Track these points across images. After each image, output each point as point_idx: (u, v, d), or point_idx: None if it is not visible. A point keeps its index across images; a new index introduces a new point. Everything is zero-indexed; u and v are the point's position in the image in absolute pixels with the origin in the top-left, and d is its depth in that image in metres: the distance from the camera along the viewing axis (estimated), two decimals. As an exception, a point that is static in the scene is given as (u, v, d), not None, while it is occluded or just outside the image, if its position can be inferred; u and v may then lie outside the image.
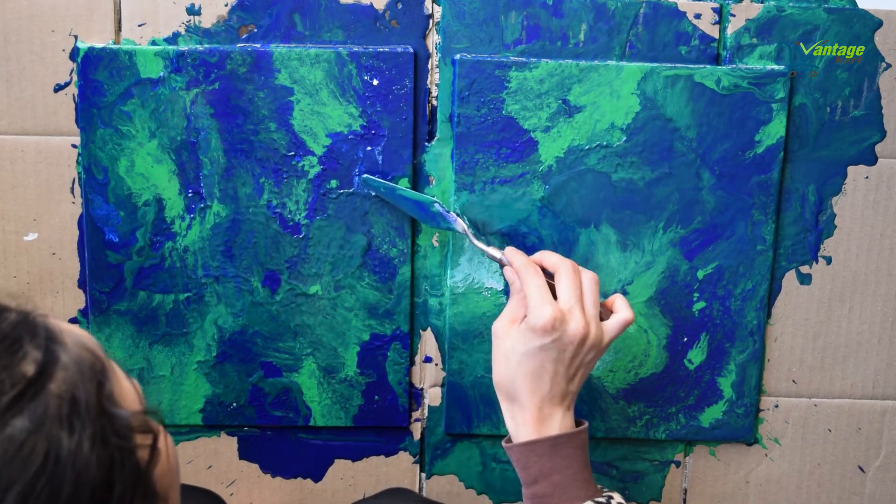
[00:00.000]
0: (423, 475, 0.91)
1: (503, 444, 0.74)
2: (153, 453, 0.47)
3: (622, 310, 0.76)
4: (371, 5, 0.82)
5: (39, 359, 0.44)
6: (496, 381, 0.74)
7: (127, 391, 0.49)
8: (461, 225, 0.80)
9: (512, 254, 0.77)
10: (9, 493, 0.40)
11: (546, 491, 0.71)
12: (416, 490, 0.91)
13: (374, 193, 0.83)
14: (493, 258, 0.79)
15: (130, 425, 0.46)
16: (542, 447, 0.71)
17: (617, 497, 0.72)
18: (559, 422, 0.72)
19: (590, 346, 0.72)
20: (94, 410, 0.44)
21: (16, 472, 0.41)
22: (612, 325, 0.75)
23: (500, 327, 0.74)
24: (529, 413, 0.72)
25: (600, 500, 0.71)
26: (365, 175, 0.82)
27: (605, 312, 0.77)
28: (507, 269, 0.78)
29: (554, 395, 0.72)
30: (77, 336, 0.48)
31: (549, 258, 0.76)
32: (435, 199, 0.81)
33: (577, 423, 0.75)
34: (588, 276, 0.75)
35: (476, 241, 0.80)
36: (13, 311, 0.47)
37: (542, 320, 0.71)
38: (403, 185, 0.83)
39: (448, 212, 0.81)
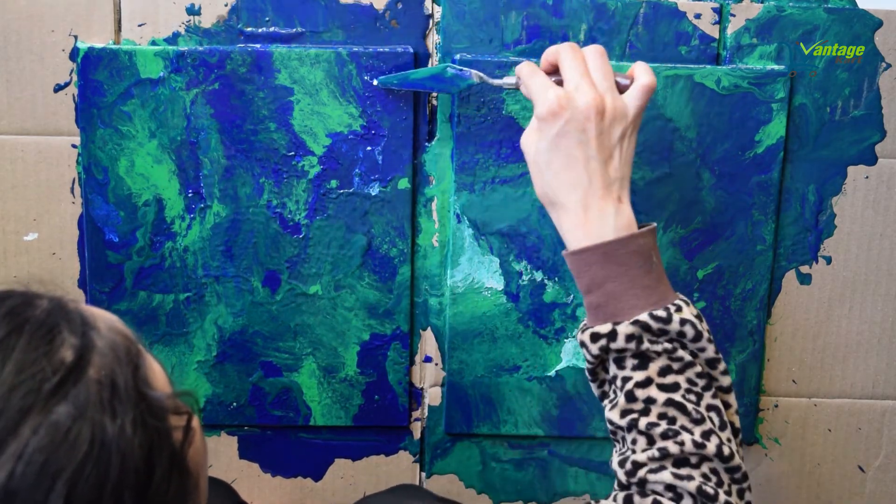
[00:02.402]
0: (423, 474, 0.91)
1: (562, 253, 0.69)
2: (187, 434, 0.47)
3: (641, 75, 0.68)
4: (371, 5, 0.82)
5: (77, 344, 0.44)
6: (538, 195, 0.70)
7: (158, 373, 0.50)
8: (476, 74, 0.78)
9: (520, 67, 0.72)
10: (58, 481, 0.40)
11: (600, 301, 0.66)
12: (416, 489, 0.91)
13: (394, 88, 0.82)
14: (510, 86, 0.75)
15: (166, 407, 0.46)
16: (592, 255, 0.66)
17: (687, 310, 0.65)
18: (613, 221, 0.66)
19: (611, 119, 0.66)
20: (133, 394, 0.45)
21: (64, 459, 0.41)
22: (632, 93, 0.68)
23: (524, 141, 0.69)
24: (574, 213, 0.67)
25: (657, 313, 0.64)
26: (378, 78, 0.81)
27: (625, 86, 0.70)
28: (522, 87, 0.72)
29: (595, 186, 0.66)
30: (108, 320, 0.48)
31: (548, 52, 0.71)
32: (447, 64, 0.80)
33: (644, 227, 0.69)
34: (591, 49, 0.69)
35: (493, 81, 0.77)
36: (45, 298, 0.47)
37: (546, 105, 0.66)
38: (403, 185, 0.83)
39: (461, 70, 0.79)
